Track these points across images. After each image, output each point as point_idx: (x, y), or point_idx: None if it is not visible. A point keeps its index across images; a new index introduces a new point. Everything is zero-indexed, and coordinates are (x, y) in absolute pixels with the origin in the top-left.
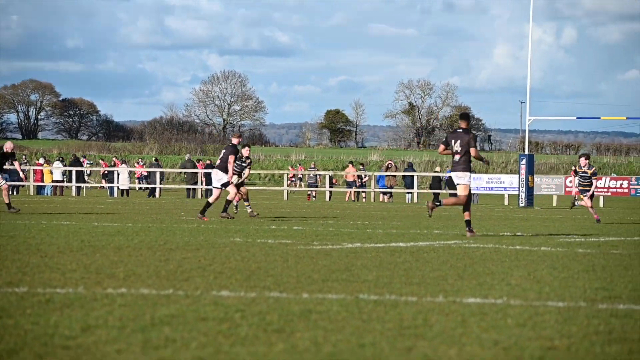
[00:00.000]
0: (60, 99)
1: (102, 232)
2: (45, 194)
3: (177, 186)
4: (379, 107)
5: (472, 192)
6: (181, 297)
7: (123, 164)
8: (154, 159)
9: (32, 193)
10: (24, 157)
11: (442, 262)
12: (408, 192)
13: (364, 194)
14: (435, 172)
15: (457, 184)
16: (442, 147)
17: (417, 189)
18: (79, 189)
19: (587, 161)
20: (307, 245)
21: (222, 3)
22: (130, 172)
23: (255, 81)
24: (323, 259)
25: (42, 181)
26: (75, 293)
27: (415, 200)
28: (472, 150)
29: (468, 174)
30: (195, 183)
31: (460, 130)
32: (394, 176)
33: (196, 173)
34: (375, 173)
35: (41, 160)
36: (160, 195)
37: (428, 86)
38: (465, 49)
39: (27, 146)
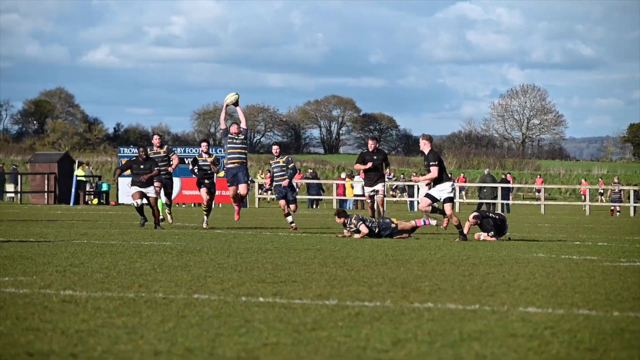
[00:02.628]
0: (361, 114)
1: (405, 245)
2: (347, 208)
3: (475, 200)
4: None
5: None
6: (488, 313)
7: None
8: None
9: (334, 206)
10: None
11: None
12: None
13: (618, 208)
14: None
15: None
16: None
17: None
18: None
19: None
20: (613, 262)
21: (523, 17)
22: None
23: (555, 94)
24: (632, 277)
25: (344, 195)
26: (383, 307)
27: None
28: None
29: None
30: (495, 198)
31: None
32: None
33: (496, 188)
34: None
35: (343, 175)
36: (459, 210)
37: None
38: None
39: (329, 160)
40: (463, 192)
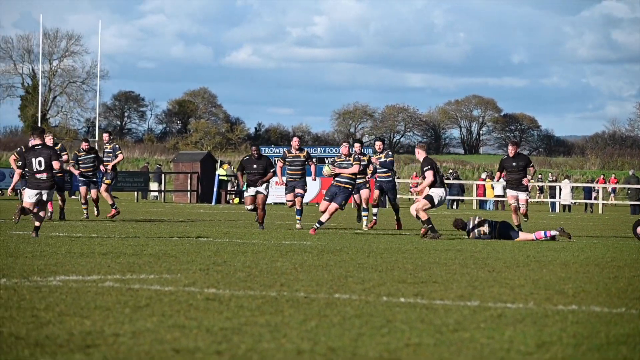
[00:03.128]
0: (502, 114)
1: (547, 247)
2: (487, 209)
3: (620, 202)
4: None
5: None
6: (635, 317)
7: (566, 179)
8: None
9: (474, 207)
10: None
11: None
12: None
13: None
14: None
15: None
16: None
17: None
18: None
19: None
20: None
21: None
22: (573, 187)
23: None
24: None
25: (484, 196)
26: (526, 309)
27: None
28: None
29: None
30: (639, 199)
31: None
32: None
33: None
34: None
35: (483, 175)
36: (602, 212)
37: None
38: None
39: (469, 161)
40: (612, 195)
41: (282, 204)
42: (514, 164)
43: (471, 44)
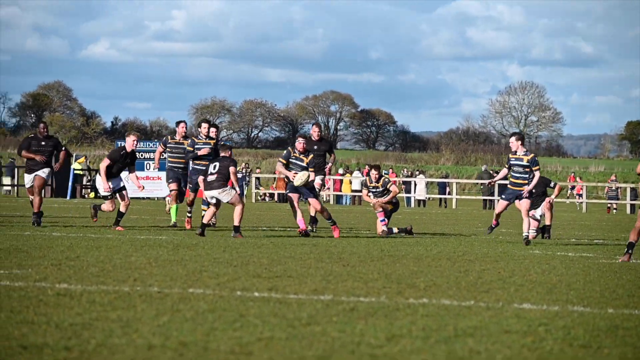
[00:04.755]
0: (359, 109)
1: (401, 241)
2: (344, 204)
3: (473, 197)
4: None
5: None
6: (483, 309)
7: (420, 175)
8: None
9: (331, 202)
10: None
11: None
12: None
13: None
14: None
15: None
16: None
17: None
18: None
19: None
20: (609, 259)
21: (523, 13)
22: (427, 182)
23: (555, 92)
24: (627, 274)
25: (341, 191)
26: (378, 302)
27: None
28: None
29: None
30: (492, 194)
31: None
32: None
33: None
34: None
35: (340, 171)
36: (456, 207)
37: None
38: None
39: None
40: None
41: (146, 198)
42: (315, 147)
43: (330, 40)
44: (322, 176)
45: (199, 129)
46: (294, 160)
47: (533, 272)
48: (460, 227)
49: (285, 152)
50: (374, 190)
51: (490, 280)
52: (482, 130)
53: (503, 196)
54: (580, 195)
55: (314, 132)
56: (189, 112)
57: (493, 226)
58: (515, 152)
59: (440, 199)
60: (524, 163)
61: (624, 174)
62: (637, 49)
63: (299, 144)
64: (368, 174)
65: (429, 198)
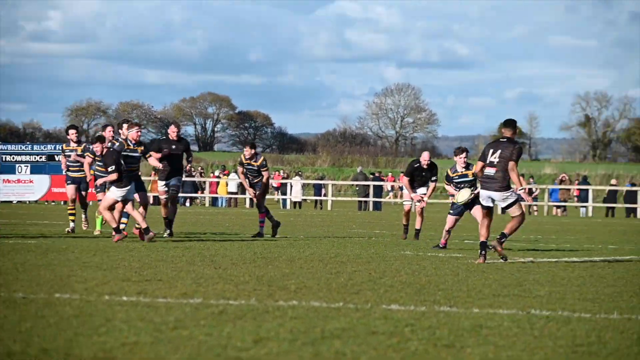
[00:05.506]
0: (237, 111)
1: (275, 244)
2: (219, 206)
3: (348, 199)
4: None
5: None
6: (351, 311)
7: (297, 176)
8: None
9: (207, 205)
10: (200, 168)
11: (618, 278)
12: (582, 206)
13: (535, 207)
14: (611, 185)
15: (507, 206)
16: (479, 164)
17: (592, 202)
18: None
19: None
20: (478, 258)
21: (401, 16)
22: (303, 184)
23: (431, 93)
24: (494, 274)
25: (217, 193)
26: (248, 305)
27: (589, 214)
28: (510, 164)
29: (508, 192)
30: (367, 195)
31: (505, 139)
32: (568, 190)
33: (368, 186)
34: (549, 186)
35: (217, 172)
36: (331, 208)
37: (605, 98)
38: None
39: (203, 158)
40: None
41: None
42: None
43: (208, 41)
44: (179, 177)
45: (120, 132)
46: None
47: (403, 273)
48: (334, 228)
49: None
50: (248, 167)
51: (360, 281)
52: (359, 132)
53: (451, 211)
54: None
55: (172, 132)
56: (63, 114)
57: (441, 245)
58: (457, 169)
59: (316, 200)
60: (469, 178)
61: None
62: (511, 50)
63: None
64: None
65: (304, 200)
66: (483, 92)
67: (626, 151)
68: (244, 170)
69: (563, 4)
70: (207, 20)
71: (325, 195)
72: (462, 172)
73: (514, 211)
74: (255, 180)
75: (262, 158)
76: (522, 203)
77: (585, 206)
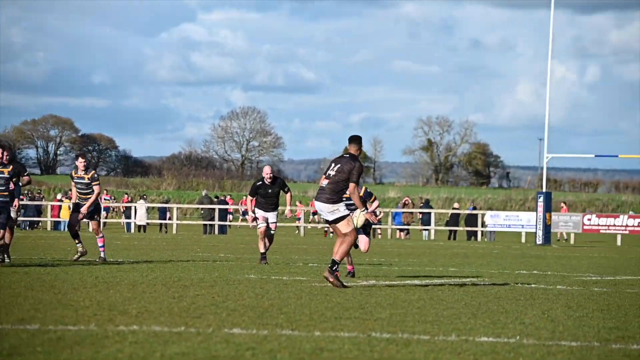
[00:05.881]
0: (80, 134)
1: (117, 268)
2: (62, 230)
3: (194, 222)
4: (398, 143)
5: (490, 229)
6: (193, 335)
7: (141, 200)
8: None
9: (49, 229)
10: (39, 192)
11: (456, 301)
12: (425, 229)
13: (379, 231)
14: (454, 208)
15: (333, 220)
16: (322, 178)
17: (435, 225)
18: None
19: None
20: (321, 282)
21: (246, 39)
22: (148, 207)
23: (278, 117)
24: (337, 297)
25: (59, 217)
26: (87, 330)
27: (432, 237)
28: (351, 187)
29: (337, 206)
30: (212, 219)
31: (347, 155)
32: (411, 213)
33: (213, 209)
34: (392, 210)
35: (59, 196)
36: (176, 232)
37: (447, 123)
38: (489, 86)
39: (45, 181)
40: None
41: None
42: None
43: (51, 63)
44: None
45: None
46: None
47: (246, 297)
48: (179, 252)
49: None
50: (78, 180)
51: (203, 305)
52: (205, 155)
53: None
54: (299, 219)
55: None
56: None
57: (350, 272)
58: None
59: (161, 224)
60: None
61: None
62: (356, 75)
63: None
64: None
65: (148, 223)
66: (328, 116)
67: (467, 175)
68: (75, 183)
69: (406, 30)
70: (48, 42)
71: (170, 218)
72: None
73: (343, 227)
74: (87, 196)
75: (93, 172)
76: (376, 226)
77: (427, 229)
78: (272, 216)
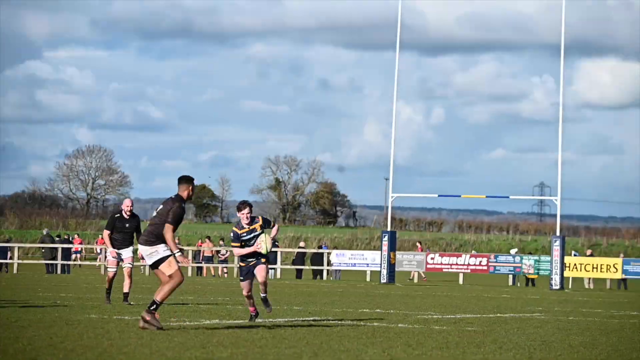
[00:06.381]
0: None
1: None
2: None
3: (36, 262)
4: (247, 182)
5: (336, 268)
6: None
7: None
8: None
9: None
10: None
11: (299, 339)
12: (271, 268)
13: (225, 269)
14: (300, 247)
15: (153, 264)
16: None
17: (281, 264)
18: None
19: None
20: (164, 321)
21: (94, 78)
22: None
23: (125, 155)
24: (179, 336)
25: None
26: None
27: (278, 276)
28: (165, 227)
29: (156, 247)
30: (54, 258)
31: (173, 196)
32: None
33: (55, 248)
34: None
35: None
36: (17, 271)
37: (294, 162)
38: (337, 126)
39: None
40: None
41: None
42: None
43: None
44: None
45: None
46: None
47: (86, 337)
48: (19, 292)
49: None
50: None
51: (39, 346)
52: (49, 194)
53: (242, 277)
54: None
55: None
56: None
57: (253, 314)
58: (243, 225)
59: (1, 263)
60: (258, 232)
61: (188, 236)
62: (205, 114)
63: None
64: None
65: None
66: (177, 155)
67: (314, 214)
68: None
69: (255, 70)
70: None
71: (11, 258)
72: (249, 227)
73: (165, 269)
74: None
75: None
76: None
77: (274, 268)
78: (126, 252)
